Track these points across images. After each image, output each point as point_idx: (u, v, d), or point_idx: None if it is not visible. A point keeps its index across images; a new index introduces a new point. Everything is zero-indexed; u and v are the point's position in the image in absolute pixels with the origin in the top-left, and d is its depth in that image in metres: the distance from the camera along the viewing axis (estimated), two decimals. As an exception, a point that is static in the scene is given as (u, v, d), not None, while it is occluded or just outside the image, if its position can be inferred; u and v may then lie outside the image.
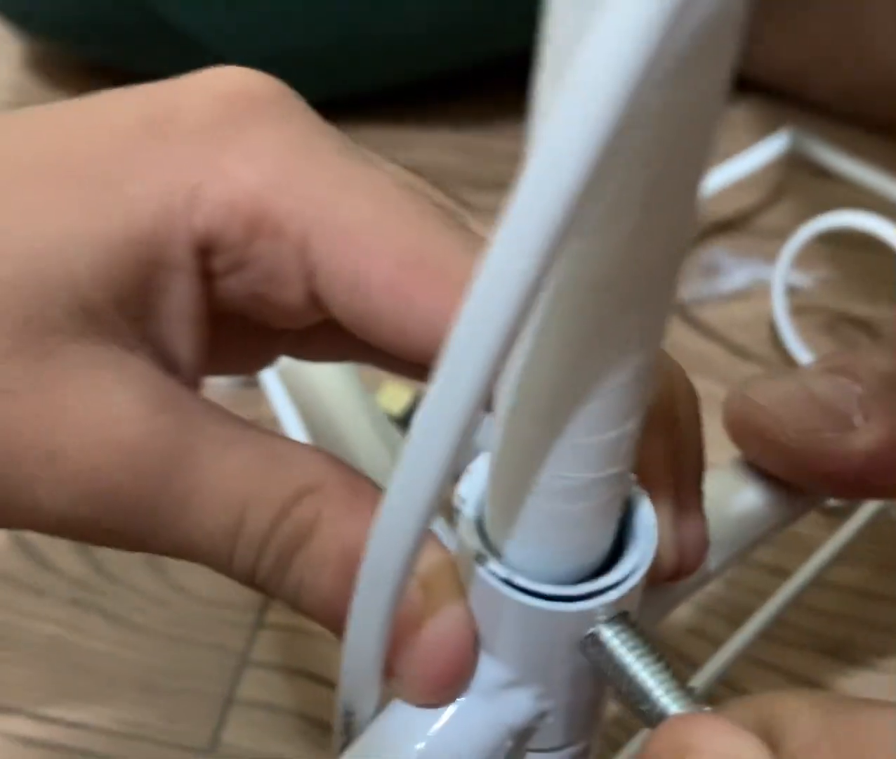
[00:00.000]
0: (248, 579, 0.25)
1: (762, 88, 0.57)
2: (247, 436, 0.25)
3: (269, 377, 0.44)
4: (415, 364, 0.24)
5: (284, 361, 0.44)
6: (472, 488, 0.24)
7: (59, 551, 0.44)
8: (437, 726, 0.24)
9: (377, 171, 0.26)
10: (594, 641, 0.22)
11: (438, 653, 0.23)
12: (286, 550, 0.25)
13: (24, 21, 0.58)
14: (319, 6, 0.53)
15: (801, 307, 0.49)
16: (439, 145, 0.56)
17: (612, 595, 0.22)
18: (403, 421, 0.45)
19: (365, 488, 0.25)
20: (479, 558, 0.22)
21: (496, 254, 0.17)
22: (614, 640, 0.22)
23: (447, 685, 0.24)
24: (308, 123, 0.26)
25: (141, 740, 0.40)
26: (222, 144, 0.25)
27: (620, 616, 0.22)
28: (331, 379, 0.40)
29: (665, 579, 0.24)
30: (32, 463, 0.24)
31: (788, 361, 0.48)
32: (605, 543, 0.23)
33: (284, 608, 0.43)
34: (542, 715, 0.24)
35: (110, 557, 0.44)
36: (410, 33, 0.54)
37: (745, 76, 0.57)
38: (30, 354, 0.24)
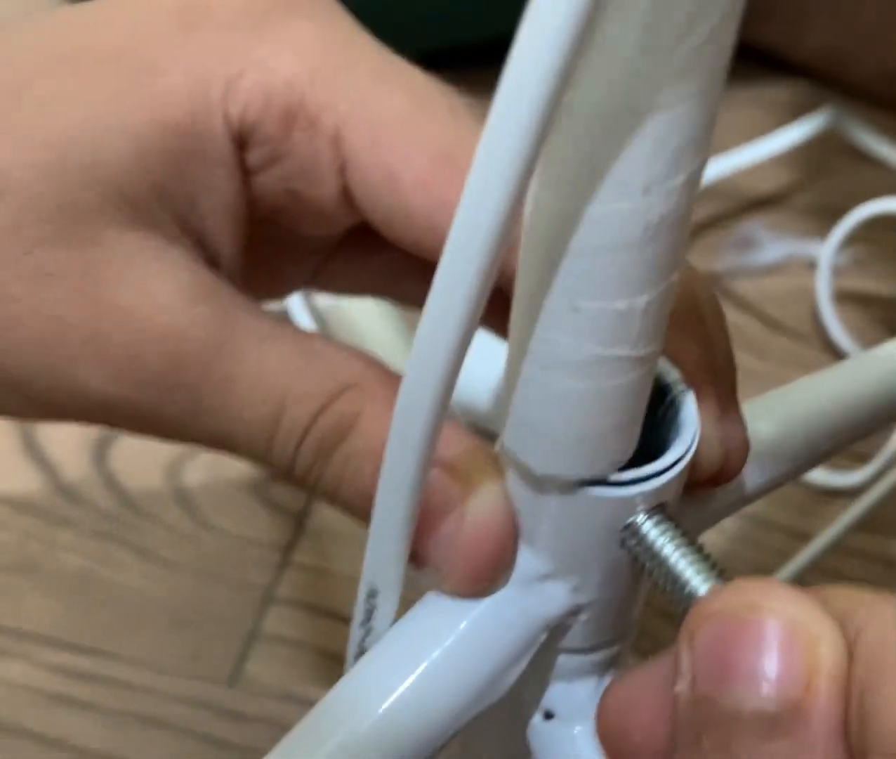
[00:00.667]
0: (287, 472, 0.25)
1: (804, 71, 0.57)
2: (286, 332, 0.25)
3: (299, 309, 0.44)
4: None
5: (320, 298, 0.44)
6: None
7: (89, 484, 0.45)
8: (473, 616, 0.24)
9: (410, 67, 0.26)
10: (633, 532, 0.23)
11: (481, 541, 0.24)
12: (326, 443, 0.25)
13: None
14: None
15: (837, 286, 0.49)
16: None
17: (654, 483, 0.22)
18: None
19: None
20: None
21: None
22: (654, 530, 0.22)
23: (489, 574, 0.24)
24: (342, 20, 0.26)
25: (165, 671, 0.40)
26: (257, 35, 0.25)
27: (659, 508, 0.23)
28: (368, 310, 0.40)
29: (707, 480, 0.24)
30: (74, 344, 0.24)
31: (822, 334, 0.49)
32: (624, 437, 0.22)
33: (310, 548, 0.44)
34: (576, 611, 0.24)
35: (139, 492, 0.45)
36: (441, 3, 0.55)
37: (788, 58, 0.57)
38: (70, 240, 0.24)
